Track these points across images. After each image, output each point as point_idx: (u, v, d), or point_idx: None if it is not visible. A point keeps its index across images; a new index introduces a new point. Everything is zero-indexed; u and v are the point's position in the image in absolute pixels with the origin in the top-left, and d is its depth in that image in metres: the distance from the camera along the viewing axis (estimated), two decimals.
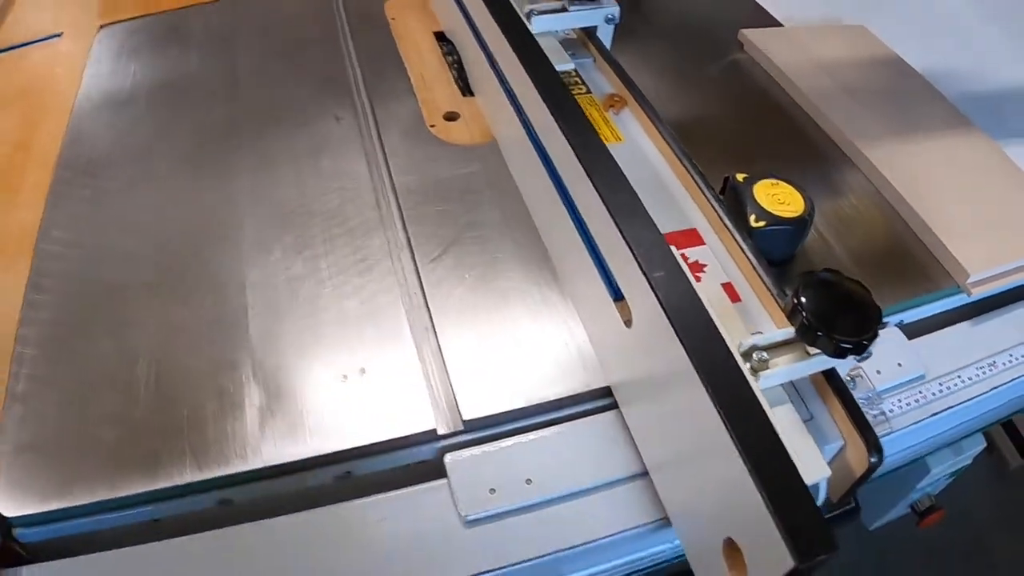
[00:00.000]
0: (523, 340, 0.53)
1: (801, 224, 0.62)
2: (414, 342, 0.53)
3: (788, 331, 0.43)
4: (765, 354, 0.43)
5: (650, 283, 0.42)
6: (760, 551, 0.36)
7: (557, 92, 0.55)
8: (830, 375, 0.44)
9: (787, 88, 0.82)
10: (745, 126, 0.78)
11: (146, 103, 0.74)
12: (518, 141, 0.62)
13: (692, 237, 0.56)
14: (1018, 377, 0.58)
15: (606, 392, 0.51)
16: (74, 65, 0.80)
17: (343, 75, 0.77)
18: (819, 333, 0.41)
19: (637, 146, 0.62)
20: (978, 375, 0.58)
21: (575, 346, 0.53)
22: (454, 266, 0.59)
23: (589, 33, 0.70)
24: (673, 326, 0.40)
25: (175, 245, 0.59)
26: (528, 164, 0.60)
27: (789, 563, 0.33)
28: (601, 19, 0.69)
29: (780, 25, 0.92)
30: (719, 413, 0.37)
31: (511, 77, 0.63)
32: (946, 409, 0.55)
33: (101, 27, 0.85)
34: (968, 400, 0.56)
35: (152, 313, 0.54)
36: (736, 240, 0.53)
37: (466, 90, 0.75)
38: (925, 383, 0.56)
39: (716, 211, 0.55)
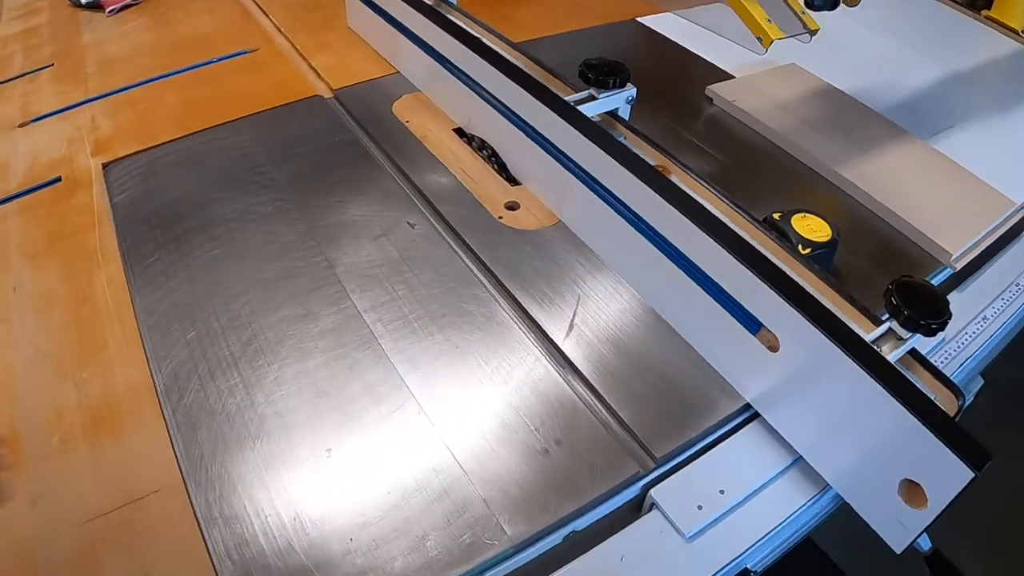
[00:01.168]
0: (668, 380, 0.63)
1: (834, 245, 0.74)
2: (585, 407, 0.60)
3: (884, 326, 0.56)
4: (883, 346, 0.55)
5: (808, 316, 0.54)
6: (936, 478, 0.48)
7: (648, 169, 0.65)
8: (915, 352, 0.56)
9: (760, 130, 0.95)
10: (744, 170, 0.90)
11: (202, 234, 0.74)
12: (601, 219, 0.70)
13: None
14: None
15: (746, 407, 0.61)
16: (92, 207, 0.79)
17: (389, 183, 0.81)
18: (922, 321, 0.54)
19: None
20: (977, 329, 0.75)
21: (709, 377, 0.63)
22: (587, 335, 0.66)
23: (612, 114, 0.79)
24: (837, 344, 0.52)
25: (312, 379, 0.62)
26: (622, 236, 0.68)
27: (968, 474, 0.45)
28: (623, 101, 0.78)
29: (732, 75, 1.05)
30: (887, 390, 0.49)
31: (580, 159, 0.71)
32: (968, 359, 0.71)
33: (105, 166, 0.84)
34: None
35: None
36: (808, 267, 0.63)
37: (511, 180, 0.81)
38: (946, 344, 0.72)
39: (784, 248, 0.65)
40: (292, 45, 1.08)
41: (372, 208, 0.77)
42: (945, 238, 0.81)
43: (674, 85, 1.03)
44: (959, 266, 0.80)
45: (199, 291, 0.68)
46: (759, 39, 0.76)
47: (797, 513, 0.55)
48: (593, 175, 0.70)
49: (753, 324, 0.59)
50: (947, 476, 0.46)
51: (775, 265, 0.58)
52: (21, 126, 0.95)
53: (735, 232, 0.60)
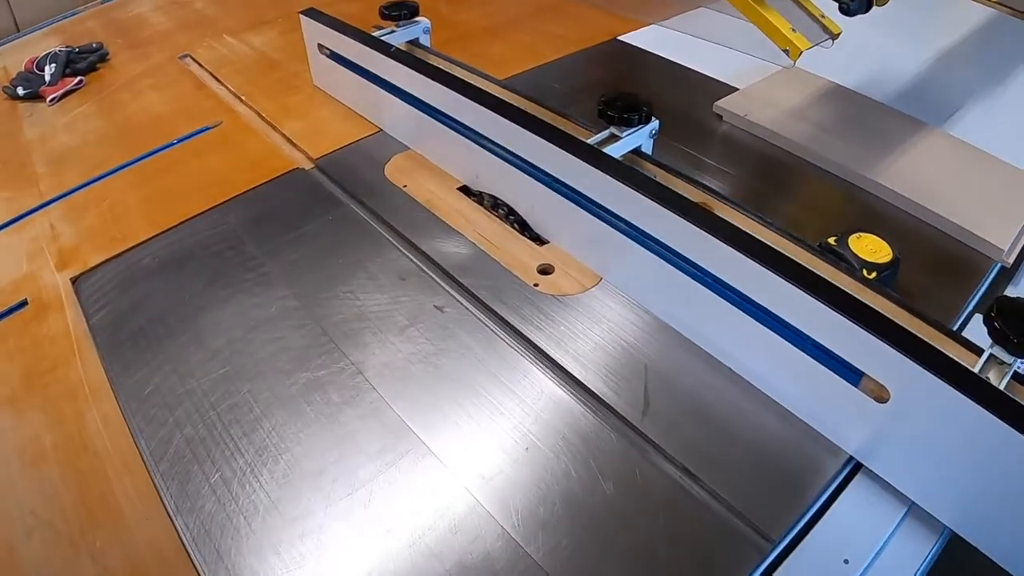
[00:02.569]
0: (761, 444, 0.57)
1: (896, 264, 0.67)
2: (685, 493, 0.54)
3: (987, 352, 0.51)
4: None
5: (918, 361, 0.48)
6: None
7: (699, 213, 0.59)
8: (1017, 375, 0.51)
9: (779, 143, 0.89)
10: (774, 188, 0.84)
11: (200, 350, 0.65)
12: (653, 273, 0.64)
13: None
14: None
15: (848, 459, 0.56)
16: (68, 332, 0.70)
17: (401, 261, 0.73)
18: None
19: None
20: None
21: (803, 432, 0.58)
22: (663, 408, 0.59)
23: (636, 151, 0.72)
24: (953, 385, 0.47)
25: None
26: (681, 290, 0.62)
27: None
28: (647, 136, 0.71)
29: (730, 85, 0.99)
30: (1011, 425, 0.45)
31: (618, 208, 0.64)
32: None
33: (75, 280, 0.75)
34: None
35: None
36: (891, 298, 0.57)
37: (536, 238, 0.73)
38: None
39: (854, 278, 0.59)
40: (257, 113, 0.99)
41: (389, 295, 0.68)
42: (992, 232, 0.76)
43: (678, 105, 0.97)
44: (1011, 260, 0.76)
45: (212, 422, 0.60)
46: (786, 51, 0.70)
47: (924, 565, 0.51)
48: (636, 224, 0.63)
49: (854, 374, 0.53)
50: None
51: (869, 307, 0.52)
52: None
53: (819, 276, 0.54)
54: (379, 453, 0.57)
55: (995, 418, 0.45)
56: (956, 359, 0.51)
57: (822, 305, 0.52)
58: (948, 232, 0.78)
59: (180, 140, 0.96)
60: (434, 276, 0.71)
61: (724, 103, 0.94)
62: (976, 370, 0.50)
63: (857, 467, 0.56)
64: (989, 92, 1.04)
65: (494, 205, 0.77)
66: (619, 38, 1.13)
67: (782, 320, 0.56)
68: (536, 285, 0.68)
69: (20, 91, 1.11)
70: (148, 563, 0.51)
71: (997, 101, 1.03)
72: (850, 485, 0.55)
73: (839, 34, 0.75)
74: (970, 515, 0.50)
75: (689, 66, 1.05)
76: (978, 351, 0.52)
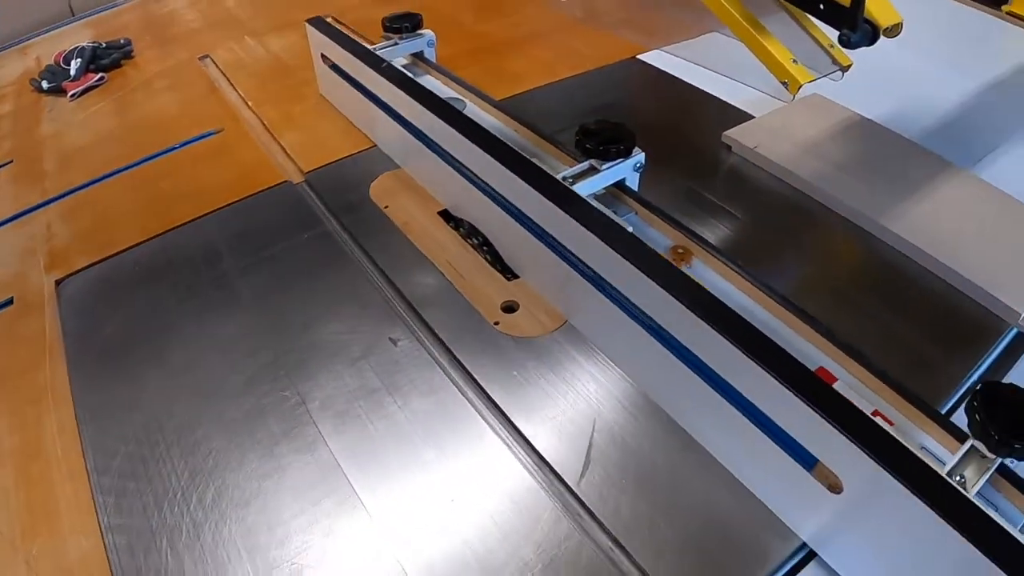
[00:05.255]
0: (707, 521, 0.54)
1: None
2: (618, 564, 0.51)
3: (966, 445, 0.46)
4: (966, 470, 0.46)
5: (872, 455, 0.44)
6: None
7: (665, 268, 0.56)
8: (1003, 468, 0.46)
9: (789, 180, 0.85)
10: (776, 232, 0.81)
11: (159, 367, 0.66)
12: (615, 325, 0.61)
13: (827, 376, 0.55)
14: None
15: (802, 546, 0.53)
16: (43, 335, 0.71)
17: (367, 289, 0.73)
18: (1016, 444, 0.43)
19: (729, 299, 0.61)
20: None
21: (756, 512, 0.54)
22: (606, 470, 0.57)
23: (619, 185, 0.68)
24: (910, 487, 0.42)
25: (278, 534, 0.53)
26: (641, 346, 0.59)
27: None
28: (631, 169, 0.68)
29: (747, 113, 0.94)
30: (971, 541, 0.40)
31: (583, 254, 0.62)
32: None
33: (59, 283, 0.77)
34: None
35: None
36: (867, 368, 0.53)
37: (507, 271, 0.71)
38: None
39: (833, 345, 0.54)
40: (260, 121, 1.00)
41: (348, 323, 0.68)
42: (1010, 294, 0.70)
43: (686, 132, 0.94)
44: None
45: (156, 441, 0.61)
46: (785, 84, 0.66)
47: None
48: (597, 271, 0.60)
49: (807, 459, 0.50)
50: None
51: (827, 387, 0.48)
52: None
53: (772, 341, 0.51)
54: (305, 491, 0.56)
55: (953, 530, 0.41)
56: (927, 442, 0.48)
57: (772, 377, 0.49)
58: (963, 290, 0.73)
59: (181, 145, 0.98)
60: (397, 306, 0.70)
61: (733, 133, 0.90)
62: (950, 466, 0.45)
63: (811, 555, 0.52)
64: None
65: (470, 233, 0.76)
66: (638, 57, 1.10)
67: (738, 392, 0.52)
68: (496, 324, 0.66)
69: (45, 85, 1.15)
70: (76, 574, 0.52)
71: None
72: (801, 574, 0.52)
73: (850, 66, 0.70)
74: None
75: (706, 89, 1.01)
76: (963, 438, 0.47)
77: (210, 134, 0.99)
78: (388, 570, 0.51)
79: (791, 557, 0.52)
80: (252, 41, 1.25)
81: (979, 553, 0.40)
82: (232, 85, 1.11)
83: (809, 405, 0.47)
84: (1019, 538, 0.40)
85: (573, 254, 0.63)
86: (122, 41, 1.25)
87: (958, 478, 0.45)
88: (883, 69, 1.07)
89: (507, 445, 0.59)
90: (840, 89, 0.94)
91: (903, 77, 1.08)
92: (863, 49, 0.68)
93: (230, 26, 1.33)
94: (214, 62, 1.19)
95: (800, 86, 0.67)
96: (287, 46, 1.22)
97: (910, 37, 1.16)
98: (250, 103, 1.05)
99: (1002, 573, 0.39)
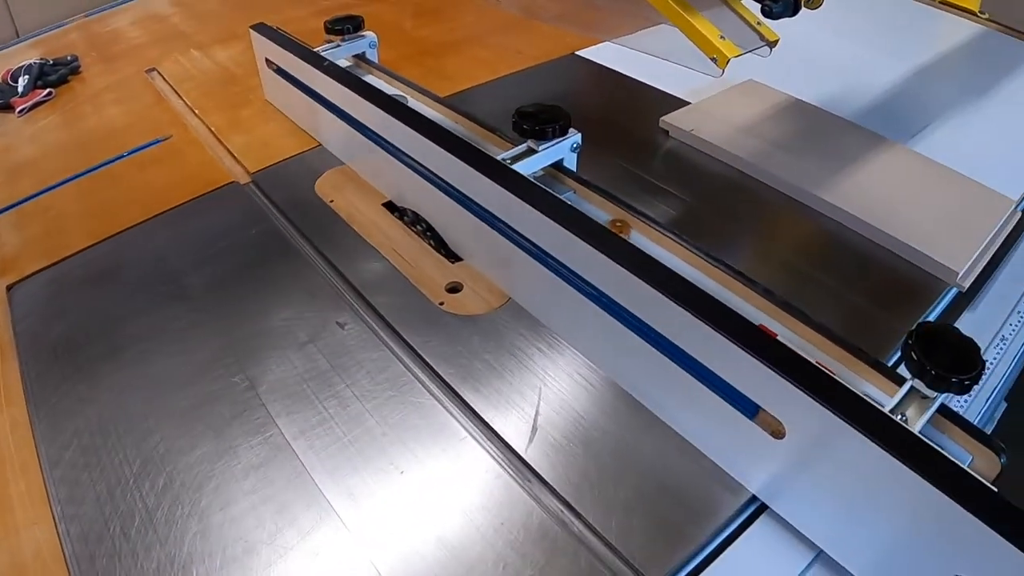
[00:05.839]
0: (656, 479, 0.55)
1: None
2: (561, 529, 0.52)
3: (906, 386, 0.48)
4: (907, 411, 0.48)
5: (814, 395, 0.45)
6: (987, 567, 0.40)
7: (599, 231, 0.58)
8: (944, 409, 0.48)
9: (726, 159, 0.88)
10: (714, 208, 0.83)
11: (110, 361, 0.67)
12: (556, 294, 0.63)
13: (769, 332, 0.57)
14: None
15: (752, 499, 0.54)
16: None
17: (314, 277, 0.74)
18: (953, 379, 0.45)
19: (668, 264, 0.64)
20: (997, 353, 0.69)
21: (704, 468, 0.56)
22: (554, 436, 0.58)
23: (557, 166, 0.71)
24: (853, 424, 0.44)
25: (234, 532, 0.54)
26: (582, 313, 0.61)
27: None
28: (568, 149, 0.71)
29: (687, 102, 0.97)
30: (918, 472, 0.41)
31: (522, 226, 0.64)
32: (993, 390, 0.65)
33: (10, 288, 0.77)
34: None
35: None
36: (807, 323, 0.55)
37: (451, 255, 0.73)
38: None
39: (772, 302, 0.56)
40: (207, 127, 1.01)
41: (296, 310, 0.69)
42: (947, 255, 0.73)
43: (625, 120, 0.97)
44: (967, 284, 0.73)
45: (108, 432, 0.61)
46: (714, 60, 0.68)
47: None
48: (539, 244, 0.63)
49: (749, 407, 0.51)
50: (999, 565, 0.39)
51: (763, 334, 0.50)
52: None
53: (712, 298, 0.52)
54: (256, 471, 0.57)
55: (901, 464, 0.42)
56: (866, 386, 0.49)
57: (712, 331, 0.50)
58: (902, 254, 0.76)
59: (129, 153, 0.98)
60: (343, 292, 0.72)
61: (670, 118, 0.93)
62: (892, 405, 0.47)
63: (763, 508, 0.54)
64: (964, 108, 1.02)
65: (414, 221, 0.77)
66: (577, 53, 1.13)
67: (681, 350, 0.54)
68: (442, 303, 0.68)
69: None
70: (29, 567, 0.53)
71: (972, 116, 1.00)
72: (752, 527, 0.53)
73: (776, 41, 0.73)
74: (885, 568, 0.47)
75: (646, 82, 1.04)
76: (899, 380, 0.48)
77: (158, 141, 1.00)
78: (338, 539, 0.53)
79: (742, 510, 0.53)
80: (198, 53, 1.27)
81: (929, 485, 0.41)
82: (179, 95, 1.12)
83: (748, 352, 0.48)
84: (965, 468, 0.42)
85: (515, 231, 0.65)
86: (69, 58, 1.25)
87: (900, 416, 0.46)
88: (820, 57, 1.12)
89: (455, 417, 0.60)
90: (778, 77, 0.98)
91: (840, 64, 1.12)
92: (800, 38, 0.70)
93: (176, 40, 1.34)
94: (161, 74, 1.20)
95: (728, 60, 0.70)
96: (233, 56, 1.24)
97: (846, 26, 1.21)
98: (197, 111, 1.06)
99: (952, 503, 0.40)
